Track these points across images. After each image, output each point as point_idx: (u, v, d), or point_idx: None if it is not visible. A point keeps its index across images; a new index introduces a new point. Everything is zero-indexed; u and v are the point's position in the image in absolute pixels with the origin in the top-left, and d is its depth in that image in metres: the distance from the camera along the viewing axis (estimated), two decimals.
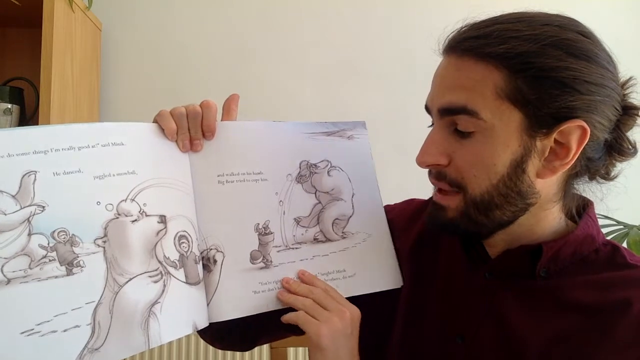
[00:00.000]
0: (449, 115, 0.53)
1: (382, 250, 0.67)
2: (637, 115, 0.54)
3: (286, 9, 1.68)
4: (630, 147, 0.55)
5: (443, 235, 0.65)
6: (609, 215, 1.32)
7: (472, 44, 0.51)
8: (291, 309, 0.59)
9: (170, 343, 1.56)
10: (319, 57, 1.68)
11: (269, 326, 0.72)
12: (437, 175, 0.56)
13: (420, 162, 0.56)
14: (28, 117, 1.46)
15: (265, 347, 1.57)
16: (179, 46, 1.65)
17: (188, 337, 1.56)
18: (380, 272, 0.66)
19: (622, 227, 1.32)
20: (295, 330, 0.70)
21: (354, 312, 0.59)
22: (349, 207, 0.67)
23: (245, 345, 0.76)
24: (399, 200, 0.79)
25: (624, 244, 0.58)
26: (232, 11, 1.67)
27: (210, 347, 1.56)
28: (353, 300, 0.71)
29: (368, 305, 0.70)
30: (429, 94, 0.57)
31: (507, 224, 0.55)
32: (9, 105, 1.38)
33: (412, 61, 1.66)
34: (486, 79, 0.50)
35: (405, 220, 0.72)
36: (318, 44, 1.68)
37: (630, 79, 0.54)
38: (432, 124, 0.59)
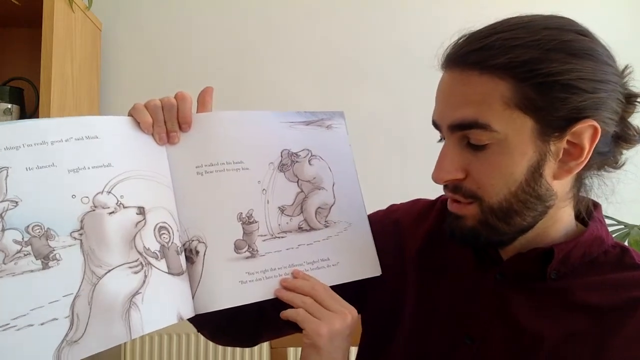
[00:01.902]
0: (461, 130, 0.53)
1: (362, 239, 0.67)
2: (638, 103, 0.54)
3: (286, 10, 1.68)
4: (635, 133, 0.55)
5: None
6: (611, 215, 1.32)
7: (474, 57, 0.51)
8: (287, 305, 0.58)
9: (170, 340, 1.56)
10: (319, 57, 1.68)
11: (271, 321, 0.72)
12: (454, 188, 0.55)
13: (437, 179, 0.55)
14: (28, 117, 1.46)
15: (265, 347, 1.57)
16: (179, 46, 1.65)
17: (189, 335, 1.56)
18: (360, 261, 0.66)
19: (622, 226, 1.33)
20: (297, 327, 0.70)
21: (354, 313, 0.59)
22: (330, 196, 0.66)
23: (248, 340, 0.76)
24: (399, 199, 0.79)
25: (625, 244, 0.58)
26: (233, 11, 1.67)
27: (211, 345, 1.56)
28: (358, 297, 0.71)
29: (373, 303, 0.70)
30: (435, 109, 0.56)
31: (528, 229, 0.55)
32: (9, 105, 1.38)
33: (412, 61, 1.66)
34: (493, 91, 0.50)
35: (412, 221, 0.71)
36: (318, 44, 1.68)
37: (626, 67, 0.55)
38: (441, 139, 0.58)
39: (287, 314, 0.58)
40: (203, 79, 1.64)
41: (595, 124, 0.50)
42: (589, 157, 0.51)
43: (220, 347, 1.56)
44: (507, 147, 0.51)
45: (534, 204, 0.53)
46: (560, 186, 0.54)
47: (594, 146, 0.51)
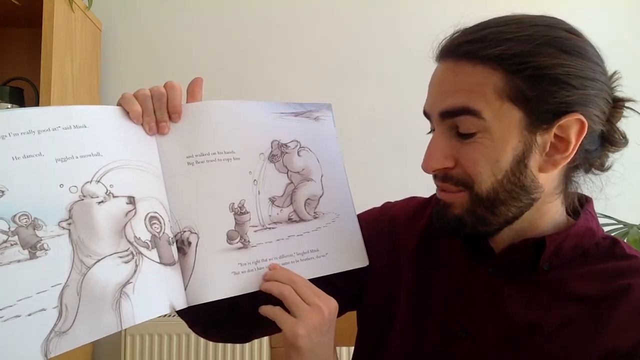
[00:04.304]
0: (451, 118, 0.54)
1: (350, 230, 0.67)
2: (624, 107, 0.56)
3: (286, 10, 1.68)
4: (621, 137, 0.56)
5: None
6: (609, 214, 1.32)
7: (468, 48, 0.52)
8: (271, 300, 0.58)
9: (170, 340, 1.56)
10: (319, 57, 1.68)
11: (263, 317, 0.72)
12: (444, 177, 0.56)
13: (427, 167, 0.56)
14: None
15: (265, 347, 1.57)
16: (179, 46, 1.65)
17: (188, 335, 1.56)
18: (348, 252, 0.66)
19: (622, 226, 1.33)
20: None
21: (332, 306, 0.58)
22: (319, 187, 0.66)
23: (241, 337, 0.75)
24: (399, 199, 0.79)
25: (615, 236, 0.60)
26: (233, 11, 1.67)
27: (211, 345, 1.56)
28: (354, 297, 0.71)
29: (369, 301, 0.70)
30: (427, 99, 0.57)
31: (512, 220, 0.56)
32: (9, 105, 1.38)
33: (413, 61, 1.66)
34: (485, 81, 0.51)
35: (407, 218, 0.72)
36: (318, 44, 1.68)
37: (615, 73, 0.56)
38: (431, 130, 0.59)
39: (264, 310, 0.58)
40: (203, 78, 1.64)
41: (582, 118, 0.51)
42: (575, 151, 0.52)
43: (220, 347, 1.56)
44: (492, 136, 0.52)
45: (519, 194, 0.54)
46: (546, 180, 0.55)
47: (580, 141, 0.52)
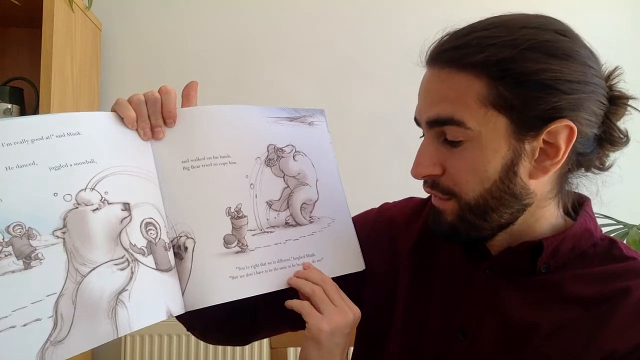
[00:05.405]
0: (438, 126, 0.53)
1: (346, 234, 0.68)
2: (626, 105, 0.54)
3: (286, 10, 1.68)
4: (621, 135, 0.55)
5: None
6: (609, 215, 1.32)
7: (452, 54, 0.52)
8: (291, 295, 0.59)
9: (170, 341, 1.56)
10: (319, 57, 1.68)
11: (264, 320, 0.72)
12: (432, 184, 0.56)
13: (416, 174, 0.56)
14: None
15: (265, 347, 1.57)
16: (179, 46, 1.65)
17: (189, 335, 1.56)
18: (344, 256, 0.67)
19: (621, 226, 1.33)
20: (292, 326, 0.70)
21: (356, 312, 0.60)
22: (314, 192, 0.67)
23: (241, 339, 0.76)
24: (398, 199, 0.79)
25: (612, 236, 0.59)
26: (233, 11, 1.67)
27: (211, 346, 1.56)
28: (353, 299, 0.72)
29: (368, 303, 0.70)
30: (417, 106, 0.57)
31: (506, 225, 0.55)
32: (9, 105, 1.38)
33: (413, 60, 1.66)
34: (468, 89, 0.50)
35: (405, 218, 0.72)
36: (318, 44, 1.68)
37: (615, 69, 0.55)
38: (422, 135, 0.59)
39: (292, 303, 0.59)
40: (203, 79, 1.64)
41: (571, 124, 0.50)
42: (565, 157, 0.51)
43: (220, 348, 1.56)
44: (479, 144, 0.51)
45: (509, 201, 0.53)
46: (538, 185, 0.54)
47: (571, 146, 0.51)
